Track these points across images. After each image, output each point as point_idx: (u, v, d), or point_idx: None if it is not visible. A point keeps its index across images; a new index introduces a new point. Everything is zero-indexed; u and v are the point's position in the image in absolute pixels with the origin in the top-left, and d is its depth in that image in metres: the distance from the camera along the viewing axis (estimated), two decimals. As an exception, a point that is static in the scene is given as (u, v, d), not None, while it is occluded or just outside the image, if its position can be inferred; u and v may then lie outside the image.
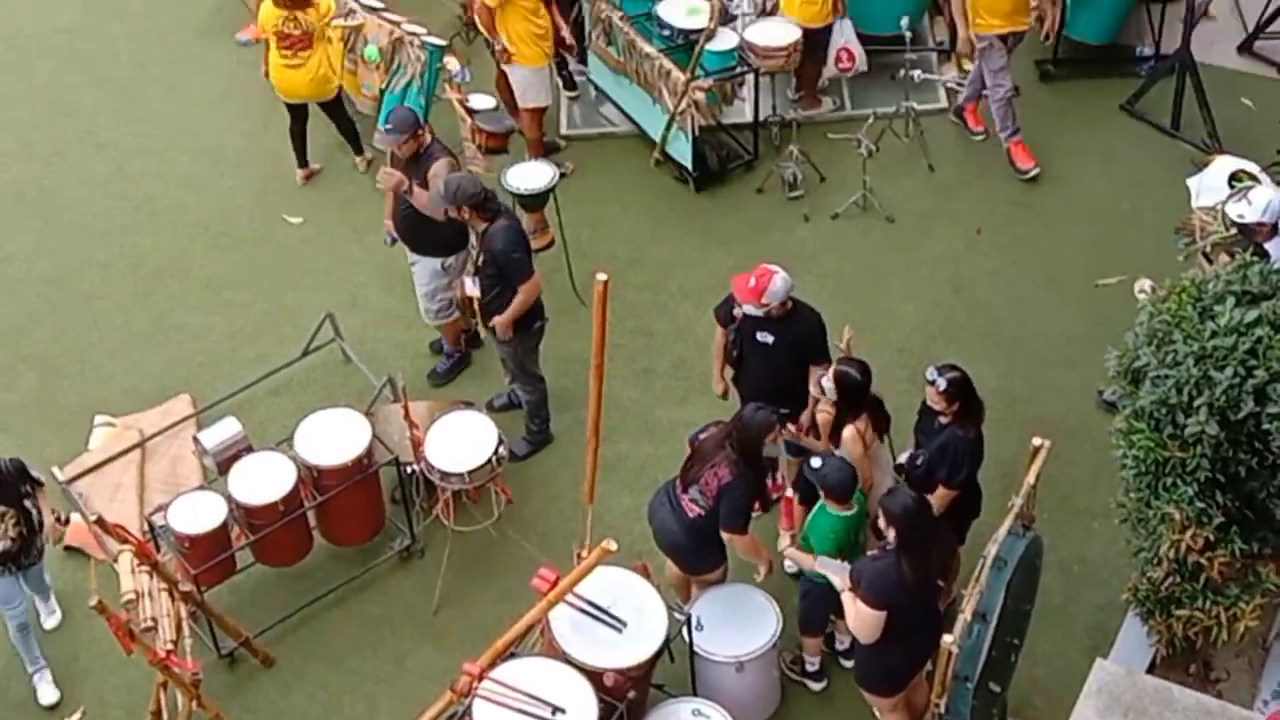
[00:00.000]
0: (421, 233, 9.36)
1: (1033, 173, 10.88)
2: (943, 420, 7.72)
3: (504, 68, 10.78)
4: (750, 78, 10.97)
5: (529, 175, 9.87)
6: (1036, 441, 7.04)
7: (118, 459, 9.47)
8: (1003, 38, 10.72)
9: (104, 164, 11.69)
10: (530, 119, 10.97)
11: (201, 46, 12.68)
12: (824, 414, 8.00)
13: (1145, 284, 8.35)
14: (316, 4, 10.60)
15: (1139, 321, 7.08)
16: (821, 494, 7.52)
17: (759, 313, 8.14)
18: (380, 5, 10.98)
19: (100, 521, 7.67)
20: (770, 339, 8.25)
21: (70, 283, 10.80)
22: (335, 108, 11.12)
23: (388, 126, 9.23)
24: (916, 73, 11.19)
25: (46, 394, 10.07)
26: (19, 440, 9.46)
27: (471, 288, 8.94)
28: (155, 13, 12.99)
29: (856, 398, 7.89)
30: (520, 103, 10.86)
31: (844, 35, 11.10)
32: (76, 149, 11.83)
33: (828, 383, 7.87)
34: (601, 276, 6.94)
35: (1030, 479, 7.04)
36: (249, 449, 8.64)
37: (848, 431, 7.87)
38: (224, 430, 8.71)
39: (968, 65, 11.62)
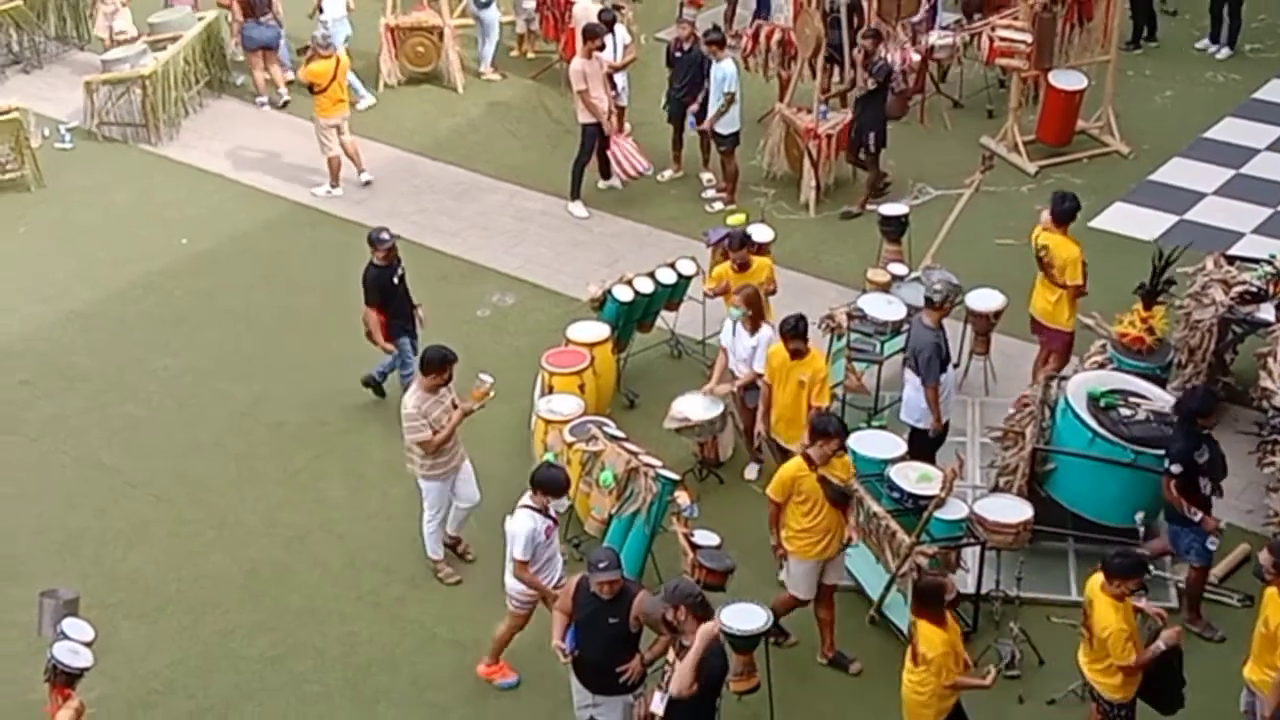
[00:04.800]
0: (618, 668, 9.33)
1: None
2: None
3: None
4: (975, 549, 10.91)
5: (744, 616, 9.90)
6: None
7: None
8: None
9: (338, 553, 12.12)
10: (786, 605, 10.69)
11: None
12: None
13: None
14: None
15: None
16: None
17: None
18: (622, 435, 11.44)
19: None
20: None
21: (284, 662, 11.08)
22: None
23: (603, 564, 9.26)
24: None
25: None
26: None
27: (658, 704, 8.84)
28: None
29: None
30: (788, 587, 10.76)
31: None
32: (317, 535, 12.30)
33: None
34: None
35: None
36: None
37: None
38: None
39: (1197, 565, 11.40)
